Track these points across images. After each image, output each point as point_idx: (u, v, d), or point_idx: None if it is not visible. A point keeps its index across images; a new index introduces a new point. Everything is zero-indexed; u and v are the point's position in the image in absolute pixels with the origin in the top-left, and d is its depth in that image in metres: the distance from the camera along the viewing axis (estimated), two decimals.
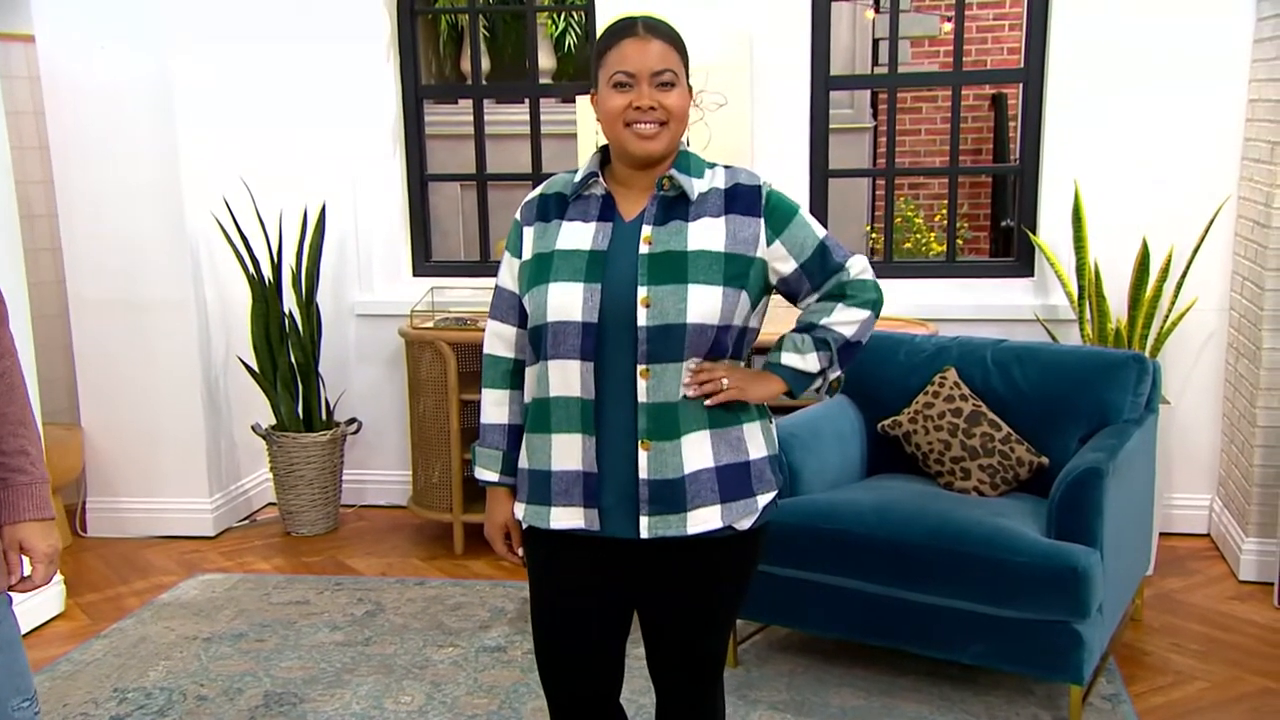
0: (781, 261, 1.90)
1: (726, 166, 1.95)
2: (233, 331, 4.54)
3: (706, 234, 1.85)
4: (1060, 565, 2.71)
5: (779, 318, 2.30)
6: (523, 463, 1.95)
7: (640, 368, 1.82)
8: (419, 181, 4.70)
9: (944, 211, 8.21)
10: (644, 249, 1.84)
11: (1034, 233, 4.25)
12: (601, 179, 1.92)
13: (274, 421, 4.48)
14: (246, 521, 4.63)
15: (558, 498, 1.88)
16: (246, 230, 4.34)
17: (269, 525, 4.58)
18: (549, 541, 1.94)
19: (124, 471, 4.42)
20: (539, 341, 1.88)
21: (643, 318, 1.81)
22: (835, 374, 1.96)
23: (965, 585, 2.82)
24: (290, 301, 4.43)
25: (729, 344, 1.88)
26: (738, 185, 1.91)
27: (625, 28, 1.87)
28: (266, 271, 4.35)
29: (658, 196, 1.88)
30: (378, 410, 4.72)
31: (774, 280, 1.93)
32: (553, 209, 1.94)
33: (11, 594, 1.79)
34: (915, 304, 4.27)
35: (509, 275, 1.97)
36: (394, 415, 4.70)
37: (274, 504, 4.62)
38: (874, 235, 7.53)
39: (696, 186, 1.88)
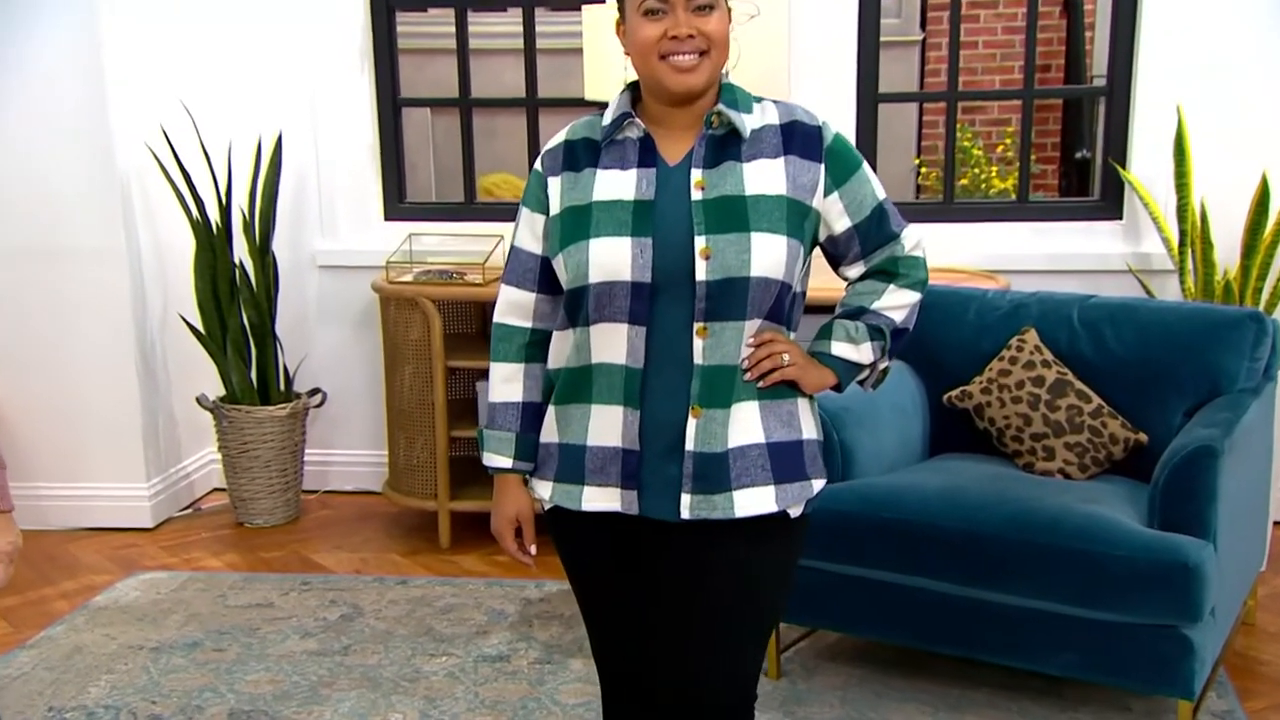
0: (836, 218, 1.97)
1: (776, 101, 2.01)
2: (172, 286, 4.55)
3: (765, 176, 1.91)
4: (1168, 560, 2.75)
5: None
6: (550, 437, 2.00)
7: (698, 325, 1.87)
8: (391, 107, 4.70)
9: (1007, 140, 8.23)
10: (697, 195, 1.89)
11: (1124, 167, 4.26)
12: (636, 119, 1.95)
13: (223, 392, 4.50)
14: (190, 510, 4.67)
15: (591, 476, 1.94)
16: (189, 165, 4.33)
17: (217, 515, 4.62)
18: (577, 525, 2.00)
19: (42, 452, 4.44)
20: (578, 305, 1.92)
21: (702, 271, 1.85)
22: (885, 364, 2.07)
23: (1052, 584, 2.86)
24: (241, 250, 4.44)
25: (787, 305, 1.94)
26: (795, 122, 1.96)
27: None
28: (213, 214, 4.36)
29: (706, 135, 1.93)
30: (346, 379, 4.75)
31: (822, 237, 2.00)
32: (583, 156, 1.97)
33: None
34: (981, 253, 4.30)
35: (529, 234, 2.02)
36: (365, 385, 4.73)
37: (222, 489, 4.66)
38: (924, 169, 7.53)
39: (748, 123, 1.93)
